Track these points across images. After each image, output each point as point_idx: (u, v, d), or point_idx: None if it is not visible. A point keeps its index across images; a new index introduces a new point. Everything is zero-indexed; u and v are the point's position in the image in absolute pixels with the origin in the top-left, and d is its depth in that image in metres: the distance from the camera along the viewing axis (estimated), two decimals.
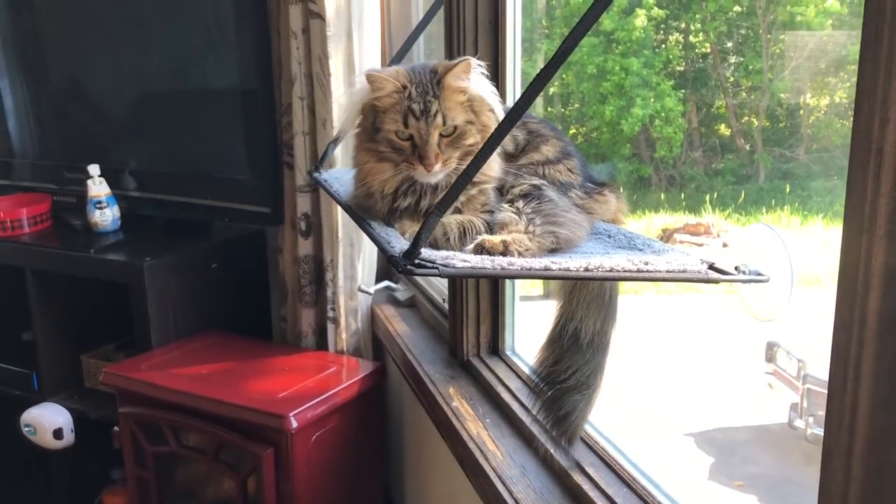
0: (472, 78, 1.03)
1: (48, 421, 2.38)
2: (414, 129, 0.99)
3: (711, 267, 0.88)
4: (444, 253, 0.83)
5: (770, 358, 2.65)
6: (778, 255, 1.12)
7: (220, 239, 2.46)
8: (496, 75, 1.60)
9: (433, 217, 0.79)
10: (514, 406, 1.52)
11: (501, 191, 1.05)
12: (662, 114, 3.75)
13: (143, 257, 2.19)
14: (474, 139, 1.02)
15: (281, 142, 2.20)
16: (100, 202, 2.39)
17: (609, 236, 1.05)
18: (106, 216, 2.40)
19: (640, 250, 0.97)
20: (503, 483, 1.31)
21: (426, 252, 0.80)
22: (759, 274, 0.87)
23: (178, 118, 2.40)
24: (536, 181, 1.05)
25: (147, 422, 1.99)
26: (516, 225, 0.96)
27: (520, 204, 1.00)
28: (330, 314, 2.17)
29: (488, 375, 1.66)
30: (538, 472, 1.33)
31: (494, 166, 1.04)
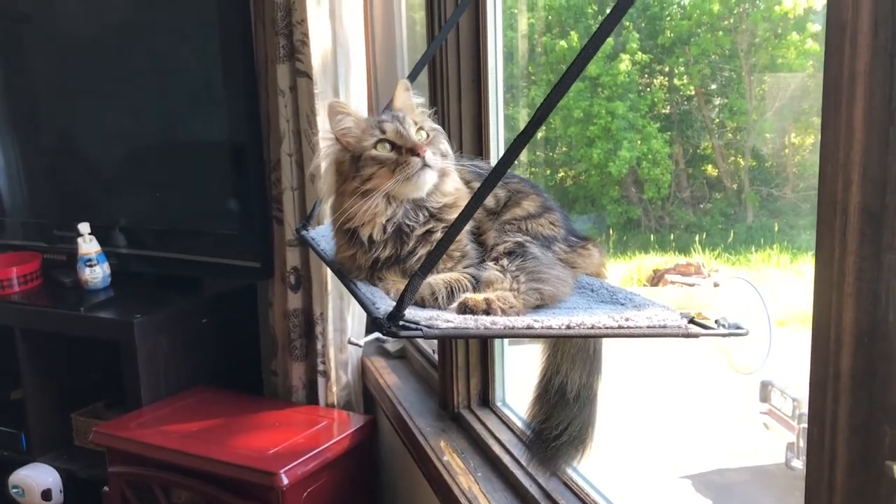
0: (417, 106, 1.10)
1: (37, 482, 2.36)
2: (392, 132, 1.02)
3: (692, 321, 0.90)
4: (427, 313, 0.84)
5: (765, 398, 2.64)
6: (757, 310, 1.13)
7: (211, 294, 2.47)
8: (479, 130, 1.63)
9: (417, 278, 0.80)
10: (506, 459, 1.52)
11: (484, 246, 1.07)
12: (649, 156, 3.78)
13: (133, 314, 2.19)
14: (446, 147, 1.07)
15: (270, 197, 2.22)
16: (90, 260, 2.40)
17: (592, 290, 1.07)
18: (96, 274, 2.41)
19: (622, 305, 0.98)
20: None
21: (410, 312, 0.81)
22: (738, 327, 0.88)
23: (168, 175, 2.42)
24: (520, 238, 1.06)
25: (137, 481, 1.97)
26: (501, 283, 0.97)
27: (504, 262, 1.01)
28: (320, 368, 2.16)
29: (479, 428, 1.66)
30: None
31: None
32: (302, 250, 2.15)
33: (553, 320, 0.84)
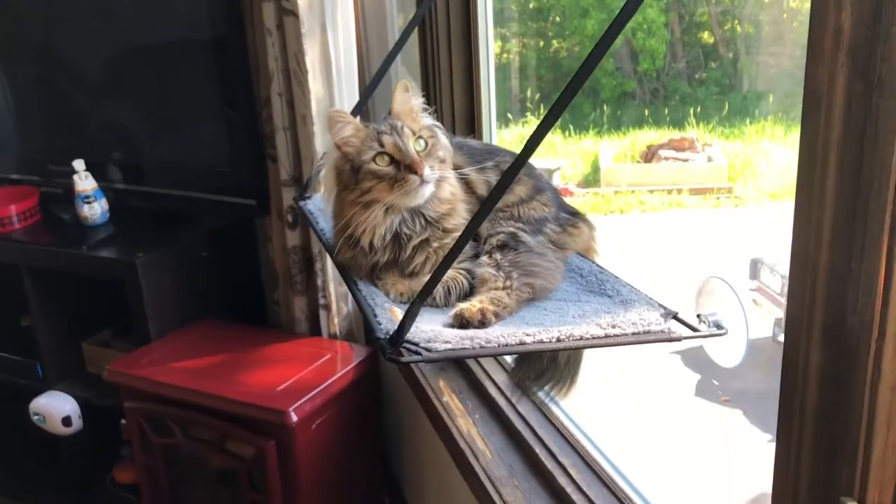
0: (417, 104, 1.09)
1: (56, 409, 2.47)
2: (390, 146, 1.03)
3: (675, 317, 0.95)
4: (427, 333, 0.89)
5: (754, 275, 2.72)
6: (733, 307, 1.19)
7: (210, 227, 2.49)
8: (471, 85, 1.64)
9: (415, 306, 0.85)
10: (501, 402, 1.62)
11: (478, 238, 1.11)
12: (645, 25, 3.71)
13: (135, 253, 2.24)
14: (444, 153, 1.08)
15: (263, 135, 2.23)
16: (87, 197, 2.42)
17: (581, 276, 1.12)
18: (95, 210, 2.43)
19: (609, 297, 1.04)
20: (493, 484, 1.42)
21: (410, 333, 0.87)
22: (719, 327, 0.94)
23: (160, 111, 2.42)
24: (512, 227, 1.10)
25: (153, 416, 2.08)
26: (495, 281, 1.02)
27: (497, 256, 1.06)
28: (321, 301, 2.24)
29: (476, 369, 1.75)
30: (525, 472, 1.43)
31: (464, 213, 1.10)
32: (297, 189, 2.18)
33: (544, 334, 0.90)
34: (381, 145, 1.03)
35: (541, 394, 1.24)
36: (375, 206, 1.03)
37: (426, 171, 1.02)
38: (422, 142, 1.05)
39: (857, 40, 0.60)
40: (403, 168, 1.02)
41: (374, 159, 1.03)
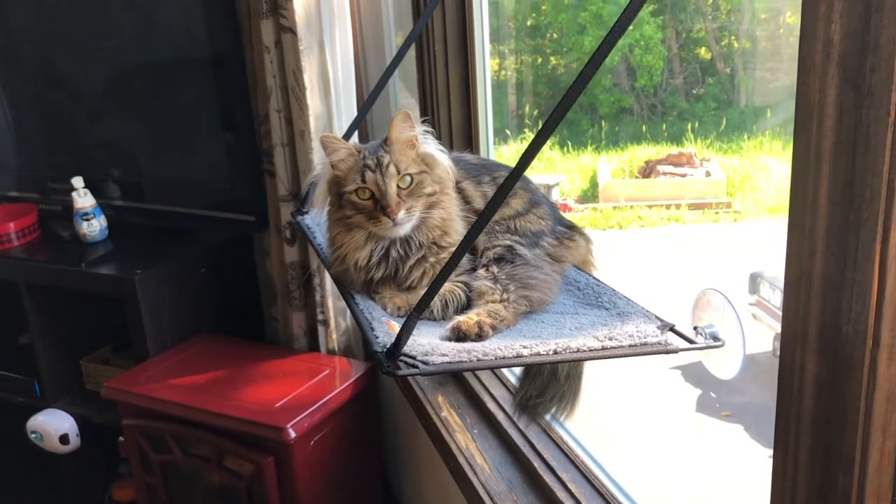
0: (419, 132, 1.09)
1: (54, 427, 2.46)
2: (371, 183, 1.04)
3: (672, 329, 0.96)
4: (424, 347, 0.89)
5: (753, 289, 2.72)
6: (730, 319, 1.19)
7: (208, 243, 2.50)
8: (468, 101, 1.64)
9: (412, 319, 0.85)
10: (500, 416, 1.61)
11: (475, 251, 1.12)
12: (642, 42, 3.73)
13: (134, 270, 2.24)
14: (433, 188, 1.08)
15: (261, 151, 2.24)
16: (86, 214, 2.42)
17: (578, 289, 1.12)
18: (93, 227, 2.44)
19: (606, 309, 1.04)
20: (491, 499, 1.41)
21: (407, 346, 0.87)
22: (716, 339, 0.94)
23: (158, 130, 2.43)
24: (508, 241, 1.10)
25: (151, 433, 2.08)
26: (492, 294, 1.02)
27: (494, 269, 1.06)
28: (320, 317, 2.24)
29: (475, 383, 1.75)
30: (524, 487, 1.43)
31: (460, 230, 1.11)
32: (295, 205, 2.18)
33: (541, 346, 0.90)
34: (363, 181, 1.04)
35: (547, 416, 1.25)
36: (357, 231, 1.05)
37: (400, 215, 1.02)
38: (407, 178, 1.05)
39: (846, 51, 0.61)
40: (379, 207, 1.03)
41: (356, 192, 1.04)
